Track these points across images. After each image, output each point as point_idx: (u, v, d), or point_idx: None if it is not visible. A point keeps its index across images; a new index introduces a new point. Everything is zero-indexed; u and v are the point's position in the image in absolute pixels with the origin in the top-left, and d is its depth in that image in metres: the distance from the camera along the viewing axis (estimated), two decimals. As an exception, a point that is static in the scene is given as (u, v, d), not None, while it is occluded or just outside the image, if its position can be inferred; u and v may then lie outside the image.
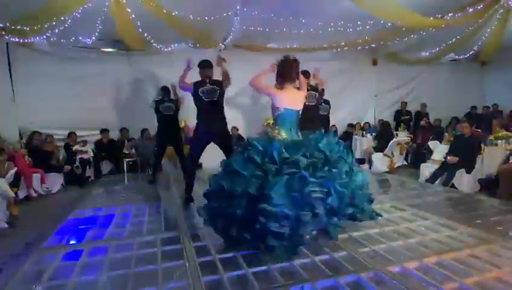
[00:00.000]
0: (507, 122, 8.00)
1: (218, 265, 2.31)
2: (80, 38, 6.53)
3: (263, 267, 2.27)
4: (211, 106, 4.04)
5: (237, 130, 8.27)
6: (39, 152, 6.14)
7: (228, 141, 4.19)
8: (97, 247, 2.78)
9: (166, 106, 5.63)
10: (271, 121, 8.24)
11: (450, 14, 6.05)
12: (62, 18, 5.25)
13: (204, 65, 4.10)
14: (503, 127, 6.91)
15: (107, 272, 2.28)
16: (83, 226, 3.40)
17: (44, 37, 6.20)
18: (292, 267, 2.28)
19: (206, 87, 4.03)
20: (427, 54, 8.84)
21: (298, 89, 3.22)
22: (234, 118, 8.33)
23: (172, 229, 3.16)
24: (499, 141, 5.77)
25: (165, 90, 5.77)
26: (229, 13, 5.77)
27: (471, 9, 5.81)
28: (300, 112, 3.03)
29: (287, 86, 2.99)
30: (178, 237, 2.91)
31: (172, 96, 5.79)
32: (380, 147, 7.44)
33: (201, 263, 2.35)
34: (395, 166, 7.27)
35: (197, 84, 4.05)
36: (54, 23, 5.37)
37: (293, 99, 2.95)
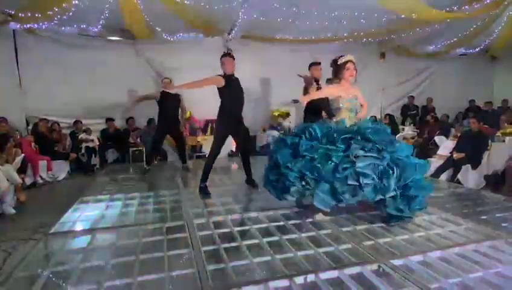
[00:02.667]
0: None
1: (223, 254, 2.33)
2: (87, 26, 6.52)
3: (267, 258, 2.29)
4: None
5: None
6: (45, 139, 6.20)
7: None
8: (103, 234, 2.82)
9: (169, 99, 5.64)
10: (277, 113, 8.29)
11: (463, 7, 5.94)
12: (69, 5, 5.23)
13: None
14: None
15: (113, 259, 2.31)
16: (89, 213, 3.44)
17: (52, 24, 6.20)
18: (295, 258, 2.30)
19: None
20: (436, 47, 8.72)
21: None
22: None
23: (177, 217, 3.19)
24: (507, 138, 5.71)
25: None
26: (235, 3, 5.72)
27: (485, 1, 5.69)
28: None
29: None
30: (183, 225, 2.93)
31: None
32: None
33: (206, 252, 2.38)
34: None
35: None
36: (61, 9, 5.35)
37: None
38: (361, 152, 2.73)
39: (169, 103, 5.60)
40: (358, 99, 3.33)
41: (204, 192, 4.05)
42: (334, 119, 3.25)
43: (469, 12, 6.16)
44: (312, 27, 6.92)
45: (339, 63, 3.29)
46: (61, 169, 6.13)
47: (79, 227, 3.06)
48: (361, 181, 2.67)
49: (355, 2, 5.68)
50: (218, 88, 4.05)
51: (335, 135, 2.88)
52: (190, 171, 5.83)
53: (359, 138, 2.83)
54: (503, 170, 4.86)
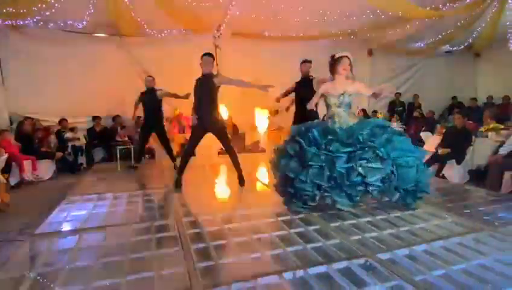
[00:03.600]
0: (498, 112, 8.11)
1: (212, 251, 2.34)
2: (71, 22, 6.39)
3: (256, 254, 2.31)
4: None
5: (231, 119, 8.25)
6: (30, 139, 6.07)
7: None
8: (91, 233, 2.79)
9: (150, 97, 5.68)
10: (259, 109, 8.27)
11: (447, 5, 6.06)
12: (53, 0, 5.12)
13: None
14: (494, 119, 7.00)
15: (101, 259, 2.29)
16: (76, 213, 3.39)
17: (35, 20, 6.05)
18: (285, 254, 2.32)
19: None
20: (422, 45, 8.87)
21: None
22: (229, 108, 8.33)
23: (167, 216, 3.18)
24: (490, 133, 5.86)
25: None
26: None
27: (467, 0, 5.81)
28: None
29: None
30: (173, 224, 2.92)
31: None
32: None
33: (196, 250, 2.38)
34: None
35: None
36: (45, 5, 5.23)
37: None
38: (364, 163, 2.93)
39: (148, 100, 5.61)
40: (356, 90, 3.41)
41: (176, 184, 4.19)
42: (326, 114, 3.39)
43: (453, 10, 6.28)
44: (301, 24, 6.95)
45: (335, 57, 3.41)
46: (46, 169, 6.01)
47: (66, 227, 3.01)
48: (368, 189, 3.00)
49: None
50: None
51: (332, 146, 3.00)
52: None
53: (359, 147, 2.98)
54: (486, 164, 4.99)
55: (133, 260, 2.27)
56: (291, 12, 6.38)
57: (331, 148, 2.99)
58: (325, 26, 7.21)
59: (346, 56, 3.38)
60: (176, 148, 7.31)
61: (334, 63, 3.40)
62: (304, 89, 4.80)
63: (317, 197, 3.07)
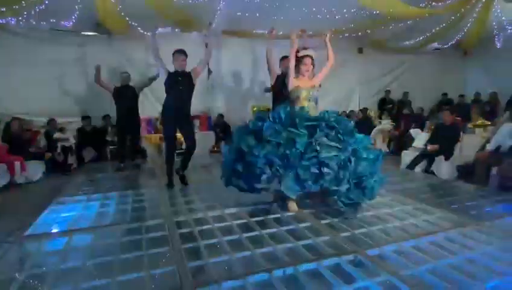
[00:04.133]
0: (486, 108, 8.27)
1: (203, 251, 2.34)
2: (59, 20, 6.29)
3: (246, 253, 2.32)
4: None
5: (222, 117, 8.24)
6: (18, 139, 5.97)
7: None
8: (81, 235, 2.77)
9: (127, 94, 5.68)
10: (257, 109, 8.28)
11: (433, 4, 6.12)
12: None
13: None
14: (482, 115, 7.13)
15: (91, 259, 2.27)
16: (66, 214, 3.36)
17: (21, 18, 5.94)
18: (275, 251, 2.33)
19: None
20: (412, 42, 8.95)
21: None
22: (220, 105, 8.33)
23: (157, 216, 3.17)
24: (477, 129, 5.96)
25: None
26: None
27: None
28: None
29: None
30: (163, 224, 2.92)
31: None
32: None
33: (186, 249, 2.38)
34: (378, 153, 7.43)
35: None
36: (32, 3, 5.14)
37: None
38: (324, 139, 2.84)
39: (122, 98, 5.60)
40: (321, 79, 3.51)
41: (167, 184, 4.26)
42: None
43: (443, 9, 6.36)
44: (292, 22, 6.94)
45: (298, 56, 3.43)
46: (36, 170, 5.91)
47: (55, 229, 2.98)
48: (323, 170, 2.82)
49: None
50: (164, 83, 4.19)
51: (298, 120, 2.94)
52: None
53: (324, 124, 2.93)
54: (474, 160, 5.07)
55: (123, 260, 2.27)
56: (282, 11, 6.38)
57: (293, 122, 2.93)
58: (315, 25, 7.22)
59: (308, 55, 3.41)
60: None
61: (297, 61, 3.43)
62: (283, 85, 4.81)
63: (265, 177, 2.93)
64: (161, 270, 2.12)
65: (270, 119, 3.01)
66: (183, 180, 4.38)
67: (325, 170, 2.81)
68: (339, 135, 2.90)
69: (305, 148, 2.83)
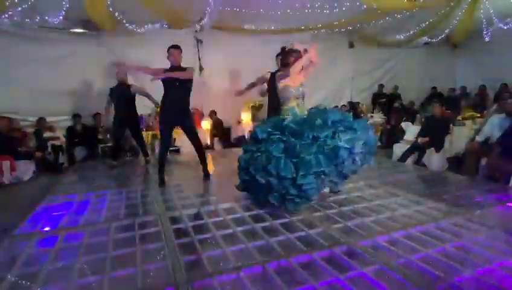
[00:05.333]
0: (475, 100, 8.39)
1: (196, 245, 2.34)
2: (46, 17, 6.17)
3: (240, 246, 2.33)
4: None
5: (215, 114, 8.23)
6: (7, 139, 5.87)
7: None
8: (72, 233, 2.74)
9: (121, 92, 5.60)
10: (250, 105, 8.28)
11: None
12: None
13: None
14: (471, 108, 7.24)
15: (83, 257, 2.25)
16: (57, 213, 3.32)
17: (6, 15, 5.82)
18: (269, 244, 2.34)
19: None
20: (402, 37, 9.01)
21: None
22: (213, 102, 8.29)
23: (149, 212, 3.15)
24: (467, 121, 6.05)
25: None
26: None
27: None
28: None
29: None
30: (156, 219, 2.91)
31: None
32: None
33: (179, 244, 2.37)
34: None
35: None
36: (16, 0, 5.04)
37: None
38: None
39: (119, 94, 5.54)
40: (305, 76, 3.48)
41: (159, 182, 4.22)
42: (285, 107, 3.36)
43: (431, 2, 6.41)
44: (283, 17, 6.94)
45: (286, 50, 3.49)
46: (26, 169, 5.82)
47: (46, 227, 2.95)
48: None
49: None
50: (161, 80, 4.12)
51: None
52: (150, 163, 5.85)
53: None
54: (464, 152, 5.15)
55: (116, 257, 2.25)
56: (272, 6, 6.36)
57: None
58: (306, 19, 7.23)
59: (296, 50, 3.44)
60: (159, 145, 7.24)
61: (284, 56, 3.48)
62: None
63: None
64: (155, 265, 2.12)
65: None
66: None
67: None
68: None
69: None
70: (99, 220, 3.04)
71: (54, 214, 3.31)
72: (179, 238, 2.48)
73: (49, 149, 6.51)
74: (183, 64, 4.24)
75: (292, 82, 3.39)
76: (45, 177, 5.90)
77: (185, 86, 4.16)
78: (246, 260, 2.14)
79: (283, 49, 3.60)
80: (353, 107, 8.66)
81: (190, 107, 4.37)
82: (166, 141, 4.37)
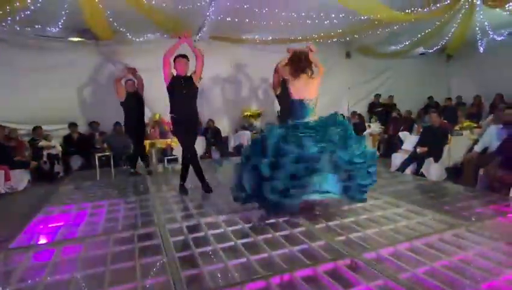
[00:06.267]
0: (471, 110, 8.47)
1: (197, 259, 2.29)
2: (45, 26, 6.16)
3: (242, 259, 2.28)
4: None
5: (213, 122, 8.21)
6: (2, 148, 5.80)
7: None
8: (69, 246, 2.68)
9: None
10: (248, 113, 8.29)
11: (418, 9, 6.25)
12: (23, 4, 4.93)
13: None
14: (467, 118, 7.30)
15: (81, 271, 2.20)
16: (53, 225, 3.26)
17: (4, 24, 5.80)
18: (271, 258, 2.30)
19: None
20: (398, 47, 9.12)
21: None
22: (211, 111, 8.28)
23: (149, 224, 3.10)
24: (464, 131, 6.08)
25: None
26: (203, 3, 5.65)
27: (438, 5, 6.02)
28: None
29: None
30: (155, 232, 2.85)
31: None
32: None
33: (180, 258, 2.33)
34: (368, 156, 7.50)
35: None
36: (17, 8, 5.03)
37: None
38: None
39: (133, 103, 5.57)
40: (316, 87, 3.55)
41: (181, 190, 4.28)
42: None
43: (427, 14, 6.49)
44: (281, 28, 6.99)
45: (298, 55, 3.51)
46: (21, 179, 5.75)
47: (43, 240, 2.88)
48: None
49: (321, 3, 5.81)
50: (166, 87, 4.19)
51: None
52: (153, 175, 5.81)
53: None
54: (462, 162, 5.16)
55: (114, 271, 2.20)
56: (271, 17, 6.42)
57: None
58: (303, 29, 7.29)
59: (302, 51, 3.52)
60: (158, 153, 7.20)
61: (291, 61, 3.51)
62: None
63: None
64: (155, 280, 2.07)
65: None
66: (207, 190, 4.30)
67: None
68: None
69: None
70: (97, 232, 2.98)
71: (50, 225, 3.25)
72: (179, 252, 2.43)
73: (45, 158, 6.43)
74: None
75: (305, 93, 3.38)
76: (40, 187, 5.82)
77: (193, 90, 4.22)
78: (248, 274, 2.10)
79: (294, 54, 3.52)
80: (361, 119, 8.72)
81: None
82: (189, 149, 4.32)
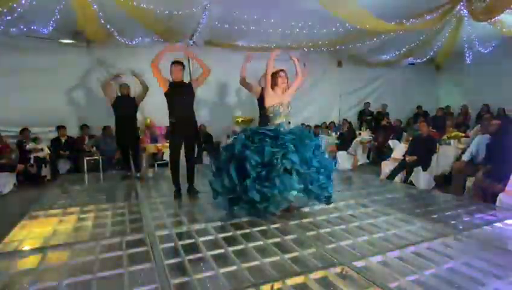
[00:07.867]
0: (458, 120, 8.64)
1: (187, 266, 2.27)
2: (36, 27, 6.08)
3: (232, 268, 2.26)
4: None
5: (205, 127, 8.19)
6: (-13, 150, 5.67)
7: None
8: (55, 252, 2.61)
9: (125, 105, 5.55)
10: (240, 119, 8.30)
11: (410, 20, 6.39)
12: (15, 4, 4.86)
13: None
14: (455, 127, 7.44)
15: (67, 279, 2.14)
16: (39, 229, 3.18)
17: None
18: (262, 265, 2.29)
19: None
20: (388, 57, 9.29)
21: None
22: (203, 116, 8.25)
23: (138, 230, 3.05)
24: (452, 141, 6.20)
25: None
26: (198, 8, 5.68)
27: (428, 17, 6.17)
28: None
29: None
30: (144, 238, 2.81)
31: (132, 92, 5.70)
32: (343, 146, 7.68)
33: (169, 265, 2.29)
34: (358, 164, 7.57)
35: None
36: (6, 10, 4.96)
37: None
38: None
39: (125, 108, 5.51)
40: (291, 94, 3.75)
41: (176, 197, 4.27)
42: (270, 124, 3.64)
43: (416, 25, 6.64)
44: (273, 35, 7.05)
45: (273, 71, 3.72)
46: (6, 182, 5.61)
47: (27, 246, 2.80)
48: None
49: (313, 12, 5.88)
50: (164, 93, 4.26)
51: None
52: (145, 180, 5.67)
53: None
54: (450, 170, 5.26)
55: (102, 278, 2.15)
56: (263, 24, 6.47)
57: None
58: (296, 38, 7.37)
59: (282, 69, 3.73)
60: (148, 158, 7.12)
61: (273, 75, 3.68)
62: None
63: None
64: (143, 287, 2.03)
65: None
66: (192, 193, 4.34)
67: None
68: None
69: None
70: (85, 238, 2.92)
71: (35, 230, 3.17)
72: (169, 259, 2.40)
73: (32, 161, 6.30)
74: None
75: (279, 99, 3.63)
76: (26, 190, 5.69)
77: (191, 96, 4.35)
78: (238, 282, 2.08)
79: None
80: (350, 126, 8.77)
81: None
82: (175, 152, 4.35)
